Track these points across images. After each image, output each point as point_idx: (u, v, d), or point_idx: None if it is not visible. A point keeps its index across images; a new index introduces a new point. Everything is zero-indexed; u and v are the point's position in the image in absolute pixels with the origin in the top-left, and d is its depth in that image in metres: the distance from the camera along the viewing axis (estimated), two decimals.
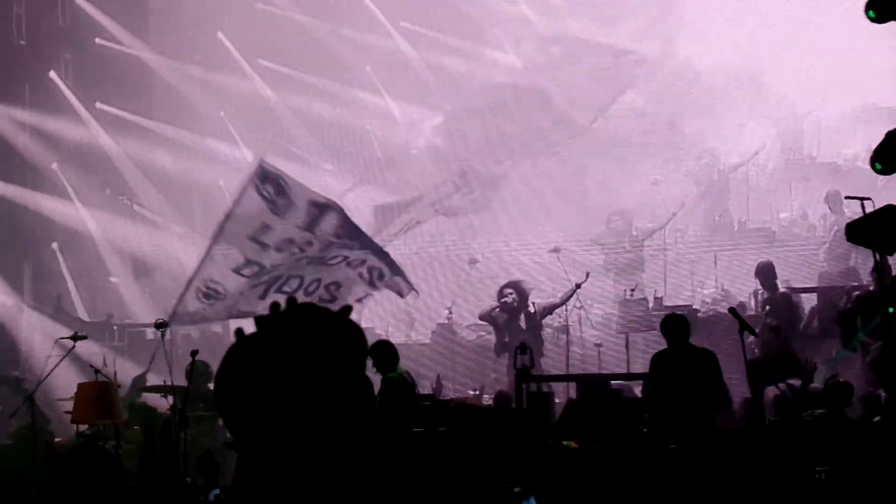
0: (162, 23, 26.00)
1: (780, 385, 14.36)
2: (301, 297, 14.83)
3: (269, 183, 14.98)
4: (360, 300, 15.53)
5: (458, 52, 24.22)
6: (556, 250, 20.43)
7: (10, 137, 24.53)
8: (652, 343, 15.70)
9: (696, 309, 19.57)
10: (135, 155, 24.70)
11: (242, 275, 15.04)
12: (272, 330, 2.59)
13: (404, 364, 15.11)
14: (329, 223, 15.10)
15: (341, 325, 2.63)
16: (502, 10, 24.43)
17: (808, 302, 18.50)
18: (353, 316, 2.67)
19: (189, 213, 23.68)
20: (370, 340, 14.50)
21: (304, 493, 2.54)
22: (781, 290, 17.71)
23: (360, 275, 15.39)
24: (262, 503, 2.57)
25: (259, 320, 2.62)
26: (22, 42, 25.34)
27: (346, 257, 15.14)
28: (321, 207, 15.18)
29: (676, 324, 13.67)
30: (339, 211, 15.42)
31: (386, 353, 14.25)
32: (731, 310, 14.31)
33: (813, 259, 20.19)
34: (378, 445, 2.70)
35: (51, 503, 12.44)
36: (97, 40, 25.49)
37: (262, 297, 15.33)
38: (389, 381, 13.92)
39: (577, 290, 19.05)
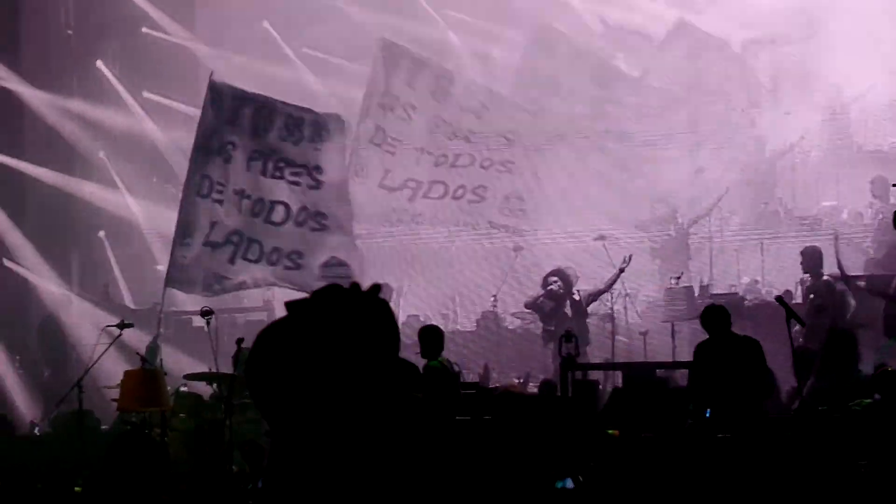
0: (208, 12, 26.08)
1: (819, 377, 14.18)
2: (265, 267, 15.64)
3: (215, 91, 16.03)
4: (326, 264, 16.02)
5: (502, 40, 24.15)
6: (601, 238, 20.39)
7: (59, 127, 24.68)
8: (698, 331, 15.62)
9: (742, 297, 19.51)
10: (181, 144, 24.77)
11: (201, 195, 15.87)
12: (302, 313, 2.59)
13: (450, 351, 15.14)
14: (247, 115, 15.99)
15: (370, 307, 2.62)
16: None
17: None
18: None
19: None
20: (415, 328, 14.61)
21: (338, 479, 2.54)
22: (825, 277, 17.63)
23: (312, 228, 15.97)
24: (295, 489, 2.57)
25: (289, 304, 2.63)
26: (70, 32, 25.51)
27: (287, 209, 15.78)
28: (241, 100, 16.09)
29: (715, 315, 13.59)
30: (262, 103, 16.29)
31: (432, 339, 14.24)
32: (778, 298, 14.19)
33: (859, 247, 20.07)
34: (417, 432, 2.69)
35: (98, 491, 12.51)
36: (144, 30, 25.62)
37: (231, 261, 16.03)
38: (430, 369, 13.93)
39: (622, 274, 19.03)
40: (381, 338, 2.60)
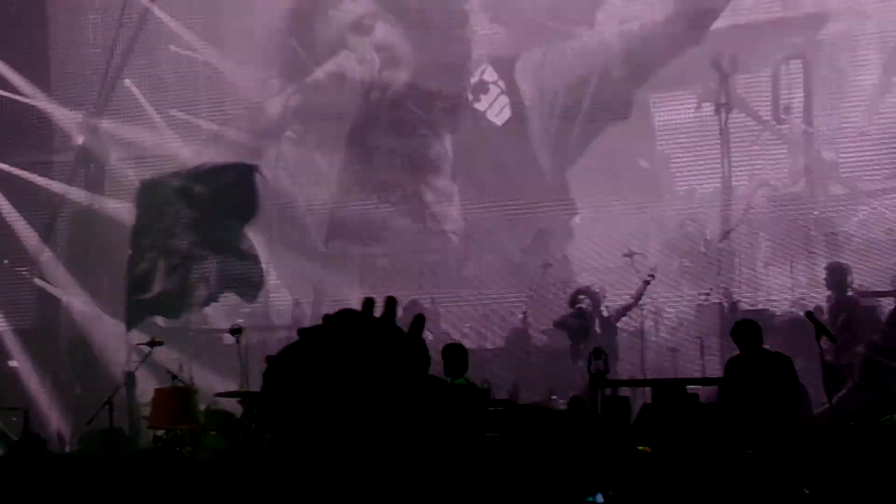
0: (235, 30, 26.12)
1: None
2: (214, 264, 18.10)
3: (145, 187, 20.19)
4: None
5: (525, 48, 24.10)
6: (629, 255, 20.37)
7: (87, 145, 24.78)
8: (727, 347, 15.60)
9: (772, 312, 19.46)
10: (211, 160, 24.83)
11: (154, 248, 17.75)
12: (313, 339, 2.58)
13: (480, 369, 15.12)
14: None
15: (387, 332, 2.59)
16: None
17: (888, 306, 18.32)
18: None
19: (265, 218, 23.76)
20: (443, 344, 14.59)
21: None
22: (850, 293, 17.56)
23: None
24: None
25: (302, 331, 2.61)
26: (97, 49, 25.59)
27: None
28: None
29: (746, 330, 13.55)
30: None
31: (455, 357, 14.20)
32: (809, 314, 14.17)
33: (890, 261, 19.97)
34: (440, 451, 2.68)
35: None
36: (172, 48, 25.67)
37: (187, 270, 17.87)
38: (455, 387, 13.90)
39: (647, 286, 19.03)
40: (396, 362, 2.58)
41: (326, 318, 2.62)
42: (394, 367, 2.56)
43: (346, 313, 2.61)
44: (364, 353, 2.55)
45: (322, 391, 2.52)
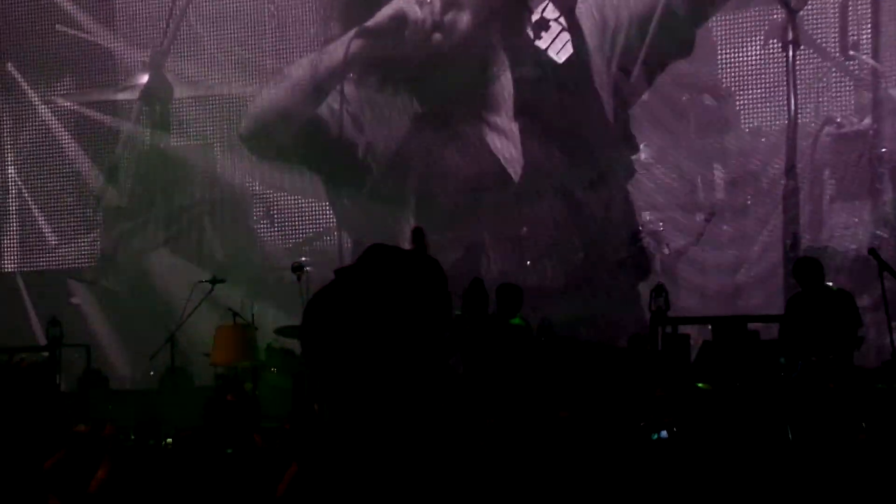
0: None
1: None
2: None
3: None
4: None
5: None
6: (692, 192, 20.28)
7: (151, 84, 24.88)
8: (789, 285, 15.49)
9: (836, 250, 19.35)
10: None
11: None
12: (348, 277, 2.56)
13: (540, 307, 15.08)
14: None
15: (417, 264, 2.58)
16: None
17: None
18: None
19: (326, 159, 23.80)
20: (500, 283, 14.56)
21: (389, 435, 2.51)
22: None
23: None
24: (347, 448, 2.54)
25: (338, 271, 2.60)
26: None
27: None
28: None
29: (808, 267, 13.49)
30: None
31: (510, 296, 14.13)
32: (872, 250, 14.08)
33: None
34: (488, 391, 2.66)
35: (190, 445, 12.67)
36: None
37: None
38: (513, 327, 13.87)
39: (708, 225, 18.96)
40: (426, 292, 2.56)
41: (360, 256, 2.61)
42: (423, 299, 2.55)
43: (376, 248, 2.60)
44: (395, 287, 2.54)
45: (357, 327, 2.52)
